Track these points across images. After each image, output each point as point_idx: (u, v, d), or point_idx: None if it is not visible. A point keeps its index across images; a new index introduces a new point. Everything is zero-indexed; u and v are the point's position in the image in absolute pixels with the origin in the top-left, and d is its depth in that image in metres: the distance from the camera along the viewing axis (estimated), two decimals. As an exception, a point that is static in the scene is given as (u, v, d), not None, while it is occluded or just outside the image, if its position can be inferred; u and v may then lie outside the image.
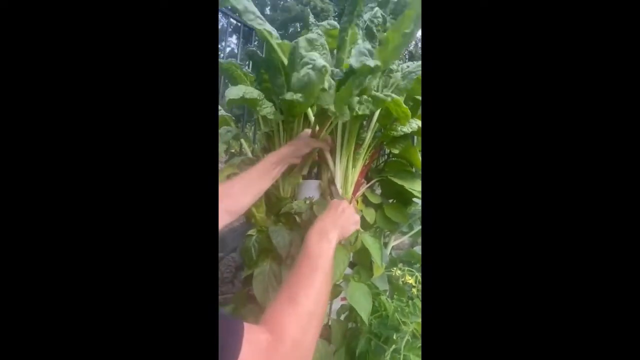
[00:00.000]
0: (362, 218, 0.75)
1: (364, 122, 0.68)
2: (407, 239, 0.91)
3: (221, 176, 0.64)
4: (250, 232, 0.60)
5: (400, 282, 0.59)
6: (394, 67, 0.63)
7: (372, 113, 0.68)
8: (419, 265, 0.79)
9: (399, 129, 0.66)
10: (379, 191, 0.85)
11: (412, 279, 0.57)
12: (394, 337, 0.49)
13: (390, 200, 0.81)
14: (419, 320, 0.55)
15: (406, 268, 0.60)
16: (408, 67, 0.63)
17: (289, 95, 0.60)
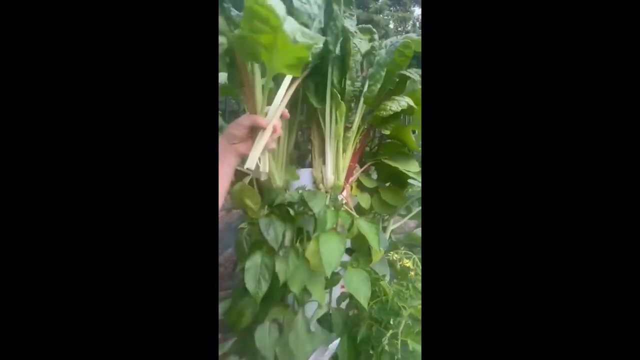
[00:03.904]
0: (358, 204, 0.73)
1: (352, 105, 0.66)
2: (411, 221, 0.89)
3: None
4: (241, 225, 0.59)
5: (398, 266, 0.57)
6: (375, 44, 0.61)
7: (360, 94, 0.65)
8: (420, 247, 0.78)
9: (388, 107, 0.64)
10: (375, 175, 0.84)
11: (410, 261, 0.56)
12: (391, 322, 0.48)
13: (387, 184, 0.80)
14: (419, 303, 0.54)
15: (403, 251, 0.59)
16: (391, 42, 0.61)
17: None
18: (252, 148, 0.46)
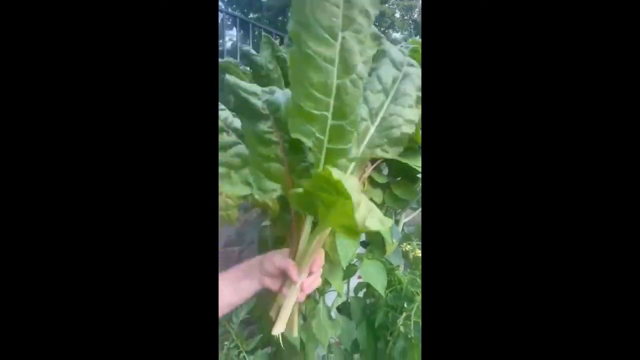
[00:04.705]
0: (371, 199, 0.77)
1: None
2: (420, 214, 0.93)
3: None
4: (264, 223, 0.64)
5: (411, 256, 0.62)
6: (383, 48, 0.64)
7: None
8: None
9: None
10: (386, 172, 0.87)
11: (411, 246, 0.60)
12: (405, 306, 0.52)
13: (398, 179, 0.83)
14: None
15: (415, 242, 0.63)
16: (400, 46, 0.64)
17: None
18: (280, 311, 0.43)
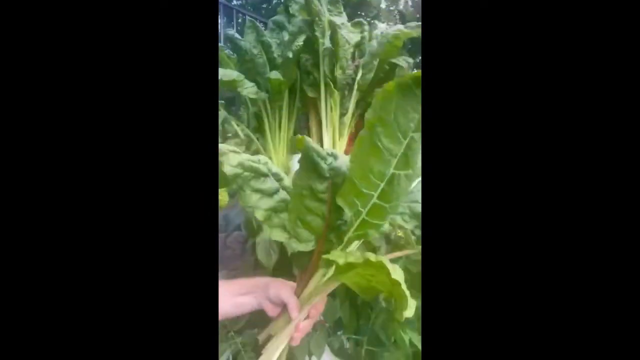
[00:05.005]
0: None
1: (346, 92, 0.71)
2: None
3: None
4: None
5: (392, 237, 0.64)
6: (365, 34, 0.65)
7: (353, 82, 0.70)
8: (412, 220, 0.85)
9: (380, 95, 0.69)
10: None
11: (402, 232, 0.63)
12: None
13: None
14: (412, 267, 0.61)
15: (397, 222, 0.65)
16: (381, 32, 0.65)
17: (273, 74, 0.63)
18: (269, 342, 0.43)
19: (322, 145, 0.72)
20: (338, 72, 0.66)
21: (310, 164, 0.43)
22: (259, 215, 0.44)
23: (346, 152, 0.74)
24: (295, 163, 0.75)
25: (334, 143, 0.71)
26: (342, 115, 0.71)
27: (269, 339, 0.45)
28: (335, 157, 0.44)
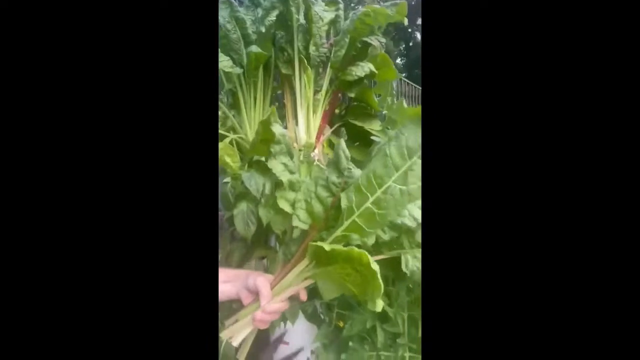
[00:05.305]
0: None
1: (320, 70, 0.73)
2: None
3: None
4: (225, 180, 0.67)
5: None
6: (340, 12, 0.67)
7: (327, 59, 0.72)
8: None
9: (353, 73, 0.72)
10: (346, 137, 0.92)
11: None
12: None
13: (356, 144, 0.89)
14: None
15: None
16: (354, 12, 0.67)
17: (253, 48, 0.64)
18: (239, 325, 0.47)
19: (297, 122, 0.73)
20: (312, 49, 0.67)
21: (336, 160, 0.51)
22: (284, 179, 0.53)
23: (320, 130, 0.76)
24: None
25: (307, 120, 0.73)
26: (316, 92, 0.72)
27: (235, 321, 0.48)
28: (350, 169, 0.51)
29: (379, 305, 0.42)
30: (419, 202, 0.44)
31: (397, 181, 0.44)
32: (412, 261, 0.47)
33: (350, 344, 0.58)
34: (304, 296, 0.50)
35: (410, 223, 0.44)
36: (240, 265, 0.66)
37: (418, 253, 0.48)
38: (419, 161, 0.43)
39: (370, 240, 0.46)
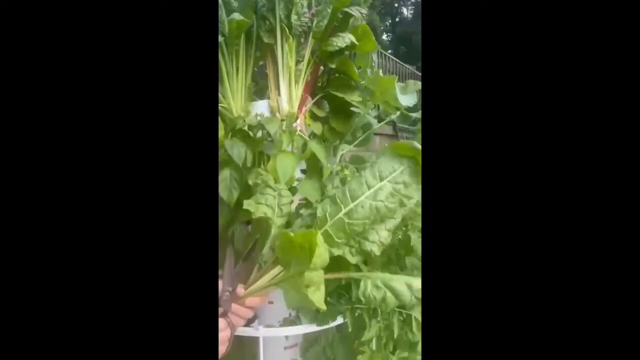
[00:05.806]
0: (312, 132, 0.85)
1: (302, 40, 0.74)
2: (356, 148, 1.03)
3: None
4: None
5: (340, 176, 0.71)
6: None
7: (309, 29, 0.73)
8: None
9: (335, 43, 0.73)
10: (328, 108, 0.95)
11: (347, 170, 0.70)
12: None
13: (337, 114, 0.91)
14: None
15: (346, 165, 0.72)
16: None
17: (236, 15, 0.64)
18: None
19: (279, 92, 0.75)
20: (293, 18, 0.68)
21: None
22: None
23: (302, 100, 0.78)
24: (254, 109, 0.78)
25: (290, 90, 0.75)
26: (298, 62, 0.74)
27: None
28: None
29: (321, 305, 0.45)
30: (388, 224, 0.51)
31: (368, 197, 0.51)
32: (370, 288, 0.52)
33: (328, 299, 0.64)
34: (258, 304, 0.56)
35: (377, 250, 0.51)
36: (225, 229, 0.69)
37: (379, 281, 0.53)
38: (389, 184, 0.52)
39: (337, 252, 0.52)
